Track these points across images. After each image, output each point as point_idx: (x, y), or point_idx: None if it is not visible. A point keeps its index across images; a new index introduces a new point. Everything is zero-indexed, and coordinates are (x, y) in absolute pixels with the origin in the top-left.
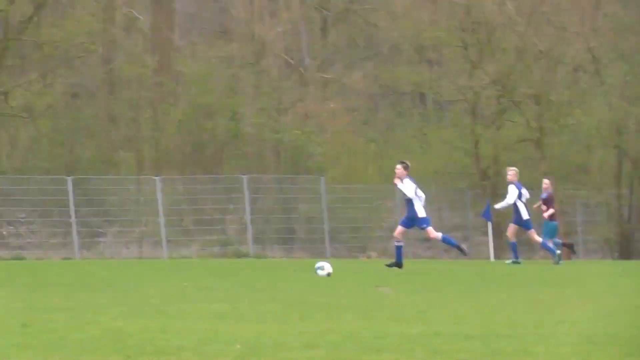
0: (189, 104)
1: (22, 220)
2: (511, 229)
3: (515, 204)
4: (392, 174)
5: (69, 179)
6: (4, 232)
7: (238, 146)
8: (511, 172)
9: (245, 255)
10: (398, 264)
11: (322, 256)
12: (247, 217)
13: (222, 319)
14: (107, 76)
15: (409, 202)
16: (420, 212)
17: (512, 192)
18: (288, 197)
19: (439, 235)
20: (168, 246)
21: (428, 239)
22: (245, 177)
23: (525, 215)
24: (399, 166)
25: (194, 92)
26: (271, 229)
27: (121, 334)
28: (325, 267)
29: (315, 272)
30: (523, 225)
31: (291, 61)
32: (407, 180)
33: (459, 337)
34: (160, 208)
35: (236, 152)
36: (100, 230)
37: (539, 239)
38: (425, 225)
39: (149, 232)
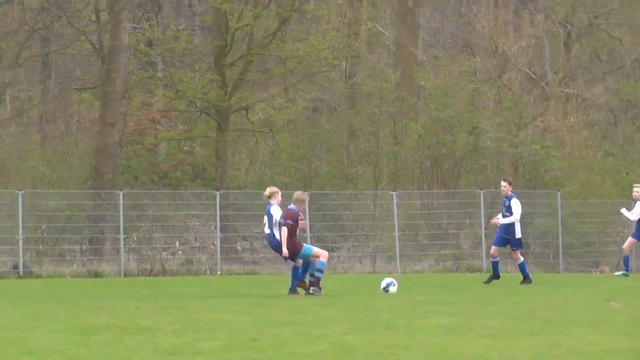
0: (429, 118)
1: (257, 235)
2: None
3: None
4: (629, 189)
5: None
6: (239, 247)
7: (476, 160)
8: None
9: (478, 269)
10: None
11: (555, 270)
12: (482, 231)
13: (451, 333)
14: (349, 90)
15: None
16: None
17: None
18: (524, 212)
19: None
20: (401, 260)
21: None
22: (482, 192)
23: None
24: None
25: (434, 106)
26: None
27: (349, 349)
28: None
29: (387, 290)
30: None
31: (533, 75)
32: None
33: None
34: (396, 222)
35: (474, 166)
36: (335, 245)
37: None
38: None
39: (383, 246)
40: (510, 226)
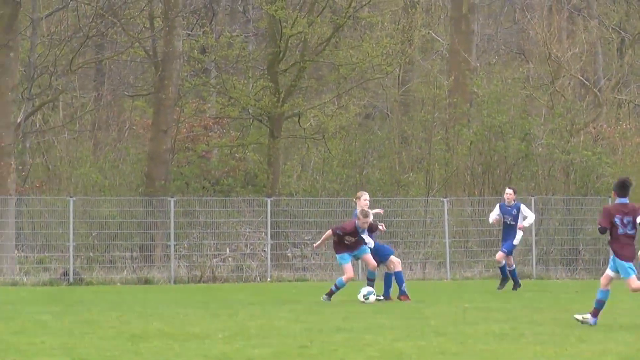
0: (481, 124)
1: (307, 241)
2: None
3: None
4: None
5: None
6: (289, 254)
7: (527, 167)
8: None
9: (528, 276)
10: None
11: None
12: (533, 238)
13: (501, 340)
14: (401, 97)
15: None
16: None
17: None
18: (575, 218)
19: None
20: (451, 267)
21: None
22: (533, 198)
23: None
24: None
25: (487, 112)
26: (555, 250)
27: (399, 356)
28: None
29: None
30: None
31: (586, 82)
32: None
33: None
34: (447, 229)
35: (525, 173)
36: None
37: None
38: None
39: (434, 253)
40: (513, 232)
